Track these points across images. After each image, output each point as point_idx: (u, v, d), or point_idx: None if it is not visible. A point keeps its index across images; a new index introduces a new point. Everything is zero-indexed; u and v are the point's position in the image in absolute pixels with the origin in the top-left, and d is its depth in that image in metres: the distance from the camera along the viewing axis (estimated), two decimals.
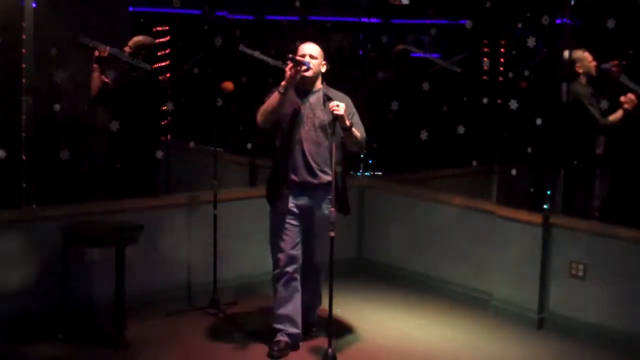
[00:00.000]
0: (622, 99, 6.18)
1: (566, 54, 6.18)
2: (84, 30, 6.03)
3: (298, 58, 5.18)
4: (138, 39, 6.45)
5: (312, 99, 5.32)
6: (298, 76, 5.16)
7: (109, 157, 6.45)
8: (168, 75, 7.34)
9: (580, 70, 6.32)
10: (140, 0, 7.15)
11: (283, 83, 5.14)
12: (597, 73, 6.34)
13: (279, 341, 5.37)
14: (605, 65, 6.36)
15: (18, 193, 5.69)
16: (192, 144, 6.78)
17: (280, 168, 5.34)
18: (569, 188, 6.22)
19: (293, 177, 5.29)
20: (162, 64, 7.23)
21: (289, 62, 5.13)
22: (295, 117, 5.27)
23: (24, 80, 5.68)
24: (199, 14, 7.29)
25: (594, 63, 6.33)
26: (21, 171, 5.69)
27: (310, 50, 5.29)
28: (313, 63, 5.23)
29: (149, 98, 6.41)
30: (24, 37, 5.66)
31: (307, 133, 5.27)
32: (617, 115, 6.23)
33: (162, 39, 7.29)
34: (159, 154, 6.39)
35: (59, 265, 5.49)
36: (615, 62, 6.32)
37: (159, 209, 6.23)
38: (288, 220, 5.32)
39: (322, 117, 5.27)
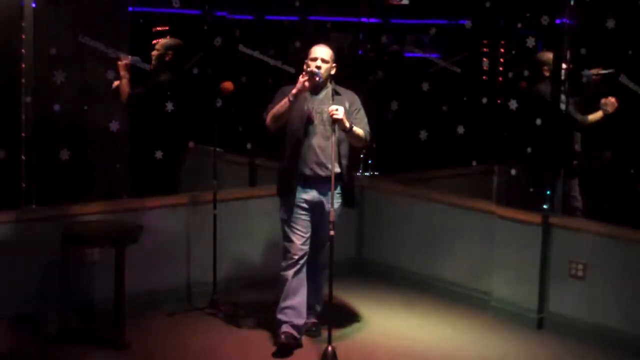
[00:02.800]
0: (604, 100, 6.20)
1: (545, 55, 6.21)
2: (84, 31, 6.03)
3: (312, 70, 5.26)
4: (165, 41, 6.63)
5: (322, 95, 5.43)
6: (309, 88, 5.28)
7: (135, 157, 6.49)
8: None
9: (547, 74, 6.22)
10: (140, 0, 7.14)
11: (293, 92, 5.25)
12: (567, 78, 6.17)
13: (285, 332, 5.40)
14: (586, 73, 6.35)
15: (18, 193, 5.69)
16: (192, 144, 6.78)
17: (291, 162, 5.43)
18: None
19: (303, 170, 5.39)
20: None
21: (304, 73, 5.24)
22: (305, 113, 5.38)
23: (23, 80, 5.68)
24: (199, 14, 7.28)
25: (564, 67, 6.22)
26: (21, 171, 5.69)
27: (322, 54, 5.37)
28: (324, 67, 5.34)
29: (175, 99, 6.43)
30: (23, 37, 5.66)
31: (316, 127, 5.39)
32: (597, 115, 6.28)
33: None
34: (159, 154, 6.38)
35: (59, 265, 5.49)
36: (596, 70, 6.32)
37: (159, 209, 6.23)
38: (298, 214, 5.42)
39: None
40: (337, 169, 5.33)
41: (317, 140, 5.39)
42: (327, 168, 5.36)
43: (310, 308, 5.65)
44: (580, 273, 5.85)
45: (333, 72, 5.46)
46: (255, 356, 5.41)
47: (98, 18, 6.26)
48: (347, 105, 5.37)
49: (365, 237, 7.32)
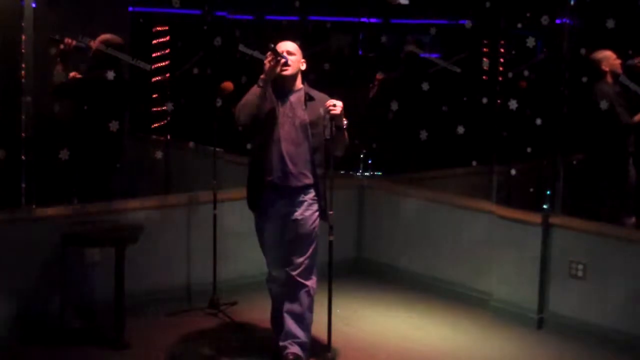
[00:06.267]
0: None
1: (600, 54, 6.32)
2: (84, 30, 6.03)
3: (276, 49, 4.95)
4: (105, 37, 6.16)
5: (293, 98, 5.06)
6: (277, 69, 4.95)
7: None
8: (167, 75, 7.35)
9: (607, 69, 6.37)
10: (140, 0, 7.15)
11: (262, 77, 4.95)
12: (623, 70, 6.36)
13: (288, 353, 5.10)
14: (631, 62, 6.39)
15: (18, 193, 5.70)
16: (192, 144, 6.78)
17: (256, 170, 5.10)
18: (603, 187, 6.39)
19: (269, 178, 5.04)
20: (161, 64, 7.24)
21: (268, 53, 4.93)
22: (274, 116, 4.99)
23: (23, 80, 5.69)
24: (199, 14, 7.29)
25: (618, 61, 6.38)
26: (21, 171, 5.70)
27: (287, 47, 5.06)
28: (291, 59, 5.01)
29: (110, 98, 6.11)
30: (23, 37, 5.67)
31: (287, 133, 5.00)
32: None
33: (162, 39, 7.29)
34: (159, 154, 6.38)
35: (59, 266, 5.50)
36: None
37: (159, 209, 6.23)
38: (268, 231, 5.14)
39: (303, 116, 5.04)
40: (310, 180, 5.05)
41: (285, 147, 4.99)
42: (294, 178, 5.01)
43: (292, 337, 5.12)
44: (580, 273, 5.85)
45: (303, 67, 5.12)
46: (255, 356, 5.41)
47: (98, 18, 6.26)
48: (321, 111, 4.98)
49: (365, 237, 7.31)
